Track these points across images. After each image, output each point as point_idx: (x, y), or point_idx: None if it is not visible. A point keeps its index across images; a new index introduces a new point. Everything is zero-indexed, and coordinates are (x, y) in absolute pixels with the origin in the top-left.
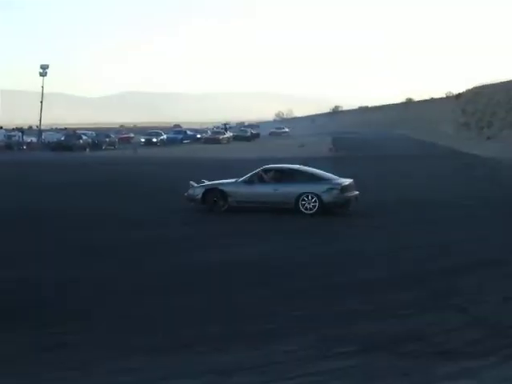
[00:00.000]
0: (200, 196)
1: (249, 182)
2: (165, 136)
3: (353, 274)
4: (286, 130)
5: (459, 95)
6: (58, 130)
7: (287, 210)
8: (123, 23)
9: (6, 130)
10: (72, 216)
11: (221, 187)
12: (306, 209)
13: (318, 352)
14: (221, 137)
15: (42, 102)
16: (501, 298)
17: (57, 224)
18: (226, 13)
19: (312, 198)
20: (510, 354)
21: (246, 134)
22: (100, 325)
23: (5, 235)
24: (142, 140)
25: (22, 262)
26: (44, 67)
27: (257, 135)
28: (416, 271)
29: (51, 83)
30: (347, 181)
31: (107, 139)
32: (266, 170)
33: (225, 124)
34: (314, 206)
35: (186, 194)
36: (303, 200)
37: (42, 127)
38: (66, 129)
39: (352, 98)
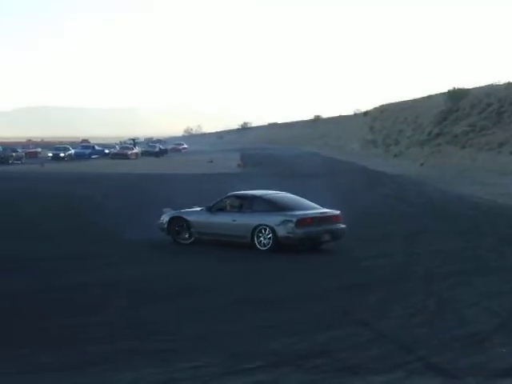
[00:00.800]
0: (166, 225)
1: (211, 210)
2: (73, 151)
3: (256, 292)
4: (185, 146)
5: (367, 112)
6: None
7: (244, 245)
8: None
9: None
10: None
11: (184, 215)
12: (262, 244)
13: (225, 368)
14: (129, 152)
15: None
16: (405, 313)
17: None
18: (138, 33)
19: (266, 231)
20: (415, 369)
21: (154, 149)
22: (9, 340)
23: None
24: (50, 155)
25: None
26: None
27: (165, 151)
28: (319, 288)
29: None
30: (316, 212)
31: (14, 153)
32: (230, 197)
33: (133, 139)
34: (269, 242)
35: (157, 223)
36: (260, 233)
37: None
38: None
39: (261, 115)
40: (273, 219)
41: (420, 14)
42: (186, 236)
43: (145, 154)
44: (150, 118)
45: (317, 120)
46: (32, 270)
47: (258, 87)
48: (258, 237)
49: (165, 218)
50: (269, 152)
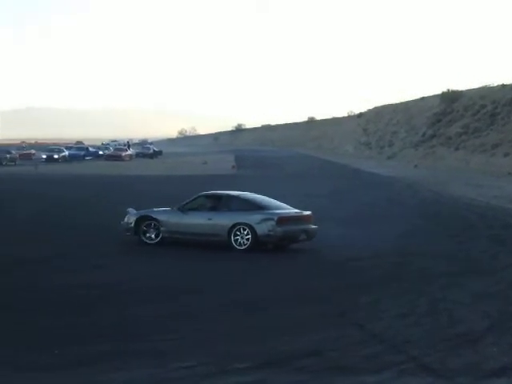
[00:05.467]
0: (132, 225)
1: (182, 209)
2: (67, 152)
3: (245, 293)
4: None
5: (361, 115)
6: None
7: (220, 244)
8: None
9: None
10: None
11: (153, 215)
12: (239, 244)
13: (216, 368)
14: (123, 154)
15: None
16: (396, 314)
17: None
18: (132, 32)
19: (245, 230)
20: (406, 369)
21: (148, 151)
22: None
23: None
24: (44, 156)
25: None
26: None
27: (159, 152)
28: (310, 289)
29: None
30: (292, 211)
31: (8, 155)
32: (202, 196)
33: (127, 141)
34: (247, 241)
35: (121, 223)
36: (237, 232)
37: None
38: None
39: (255, 117)
40: (252, 218)
41: (413, 16)
42: (153, 236)
43: (139, 155)
44: (143, 120)
45: (311, 122)
46: (20, 270)
47: (252, 89)
48: (235, 235)
49: (130, 218)
50: (262, 154)
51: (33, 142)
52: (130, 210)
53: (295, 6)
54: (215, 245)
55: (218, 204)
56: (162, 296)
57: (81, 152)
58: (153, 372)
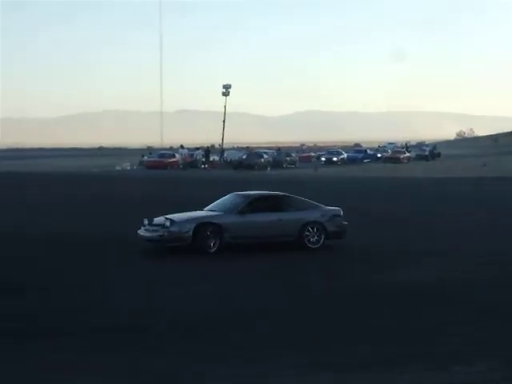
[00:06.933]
0: (191, 233)
1: (240, 212)
2: (345, 155)
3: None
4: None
5: None
6: (239, 149)
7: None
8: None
9: (188, 148)
10: None
11: (214, 220)
12: (311, 242)
13: (502, 375)
14: (401, 156)
15: (224, 121)
16: None
17: None
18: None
19: (314, 228)
20: None
21: (424, 153)
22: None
23: None
24: (323, 159)
25: None
26: (226, 87)
27: (437, 154)
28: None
29: (232, 102)
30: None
31: (288, 158)
32: (258, 197)
33: (405, 143)
34: (319, 239)
35: (159, 235)
36: (307, 231)
37: (224, 146)
38: (247, 147)
39: None
40: (321, 215)
41: None
42: (212, 244)
43: (417, 157)
44: (421, 123)
45: None
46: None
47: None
48: (306, 235)
49: (182, 225)
50: None
51: (312, 144)
52: (172, 216)
53: None
54: (283, 245)
55: (277, 204)
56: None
57: (359, 154)
58: (438, 375)
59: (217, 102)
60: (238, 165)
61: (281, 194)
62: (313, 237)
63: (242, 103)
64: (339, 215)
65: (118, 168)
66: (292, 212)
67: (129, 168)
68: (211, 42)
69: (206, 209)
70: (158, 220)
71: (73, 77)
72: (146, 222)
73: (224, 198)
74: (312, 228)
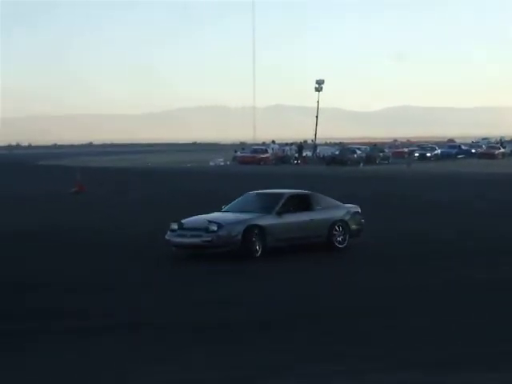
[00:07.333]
0: (240, 237)
1: (277, 212)
2: (439, 151)
3: None
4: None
5: None
6: (332, 145)
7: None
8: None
9: (279, 144)
10: None
11: (259, 222)
12: (338, 242)
13: None
14: (496, 152)
15: (317, 116)
16: None
17: None
18: None
19: (339, 227)
20: None
21: None
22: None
23: None
24: (416, 154)
25: None
26: (319, 82)
27: None
28: None
29: (325, 98)
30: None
31: (381, 154)
32: (289, 196)
33: (500, 138)
34: (344, 238)
35: (205, 240)
36: (334, 230)
37: (317, 141)
38: (340, 143)
39: None
40: (344, 214)
41: None
42: (257, 247)
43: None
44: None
45: None
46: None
47: None
48: (334, 235)
49: (231, 228)
50: None
51: (405, 140)
52: (212, 218)
53: None
54: (314, 247)
55: (305, 203)
56: None
57: (453, 150)
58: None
59: (310, 98)
60: (331, 160)
61: (307, 192)
62: (339, 236)
63: (334, 98)
64: (359, 213)
65: (211, 163)
66: (320, 211)
67: (222, 163)
68: (305, 36)
69: (223, 210)
70: (194, 223)
71: (167, 74)
72: (174, 226)
73: (242, 197)
74: (338, 227)
